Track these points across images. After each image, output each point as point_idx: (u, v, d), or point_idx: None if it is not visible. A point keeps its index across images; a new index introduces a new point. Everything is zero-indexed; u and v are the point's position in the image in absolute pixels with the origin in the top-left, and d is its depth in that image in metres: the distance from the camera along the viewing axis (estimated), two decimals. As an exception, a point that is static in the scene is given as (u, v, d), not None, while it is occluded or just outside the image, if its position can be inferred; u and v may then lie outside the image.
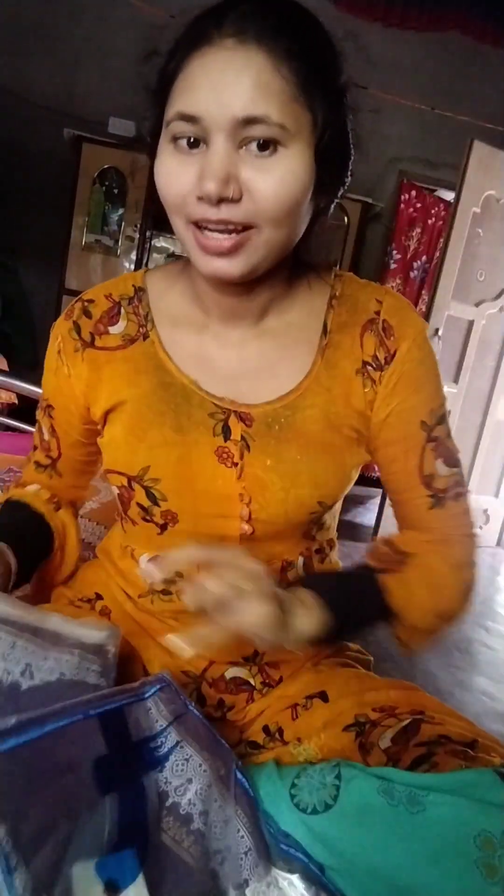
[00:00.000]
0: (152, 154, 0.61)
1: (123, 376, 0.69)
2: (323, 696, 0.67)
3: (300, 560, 0.72)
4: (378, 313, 0.68)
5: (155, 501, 0.67)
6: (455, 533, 0.71)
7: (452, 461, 0.69)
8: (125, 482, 0.68)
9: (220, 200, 0.55)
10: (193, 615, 0.66)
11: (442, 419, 0.69)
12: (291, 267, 0.68)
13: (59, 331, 0.72)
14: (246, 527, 0.66)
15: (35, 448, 0.80)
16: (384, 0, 3.50)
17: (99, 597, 0.76)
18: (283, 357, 0.68)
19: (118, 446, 0.69)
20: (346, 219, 3.70)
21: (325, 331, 0.68)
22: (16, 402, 2.40)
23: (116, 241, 3.63)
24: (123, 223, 3.60)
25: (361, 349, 0.67)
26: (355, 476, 0.72)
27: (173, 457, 0.66)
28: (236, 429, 0.66)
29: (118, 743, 0.47)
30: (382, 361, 0.67)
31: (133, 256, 3.65)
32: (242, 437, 0.66)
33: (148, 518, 0.68)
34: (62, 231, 3.55)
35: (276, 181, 0.55)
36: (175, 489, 0.66)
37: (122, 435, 0.68)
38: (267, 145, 0.55)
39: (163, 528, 0.68)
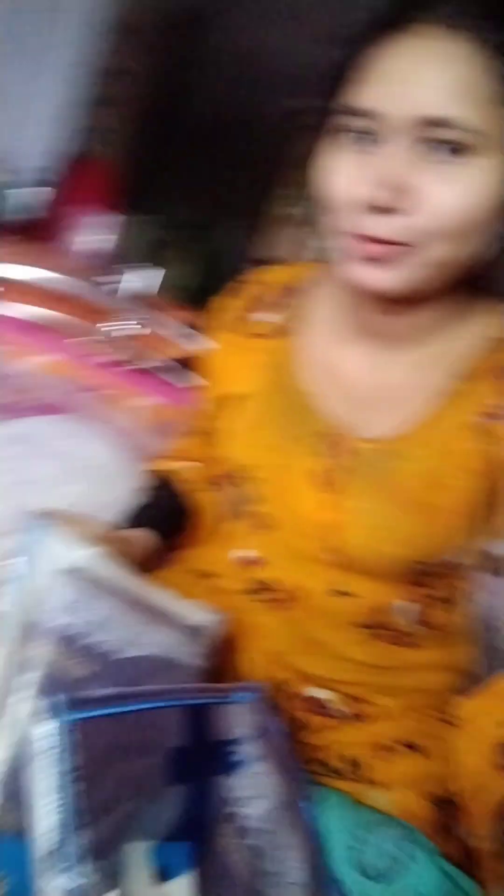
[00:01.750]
0: (311, 142, 0.54)
1: (252, 368, 0.67)
2: (412, 747, 0.62)
3: (415, 607, 0.63)
4: None
5: (249, 502, 0.65)
6: None
7: None
8: (225, 474, 0.67)
9: (389, 211, 0.48)
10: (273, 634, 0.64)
11: None
12: (469, 289, 0.58)
13: (220, 305, 0.73)
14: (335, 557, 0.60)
15: (195, 413, 0.81)
16: None
17: (212, 575, 0.75)
18: (410, 394, 0.59)
19: (229, 438, 0.67)
20: None
21: (465, 375, 0.58)
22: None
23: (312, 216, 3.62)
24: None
25: (493, 397, 0.56)
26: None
27: (275, 464, 0.62)
28: (337, 459, 0.60)
29: (198, 738, 0.47)
30: None
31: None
32: (340, 471, 0.60)
33: (243, 517, 0.66)
34: (264, 200, 3.60)
35: (460, 194, 0.48)
36: (270, 497, 0.63)
37: (233, 428, 0.67)
38: (457, 151, 0.47)
39: (257, 529, 0.66)
